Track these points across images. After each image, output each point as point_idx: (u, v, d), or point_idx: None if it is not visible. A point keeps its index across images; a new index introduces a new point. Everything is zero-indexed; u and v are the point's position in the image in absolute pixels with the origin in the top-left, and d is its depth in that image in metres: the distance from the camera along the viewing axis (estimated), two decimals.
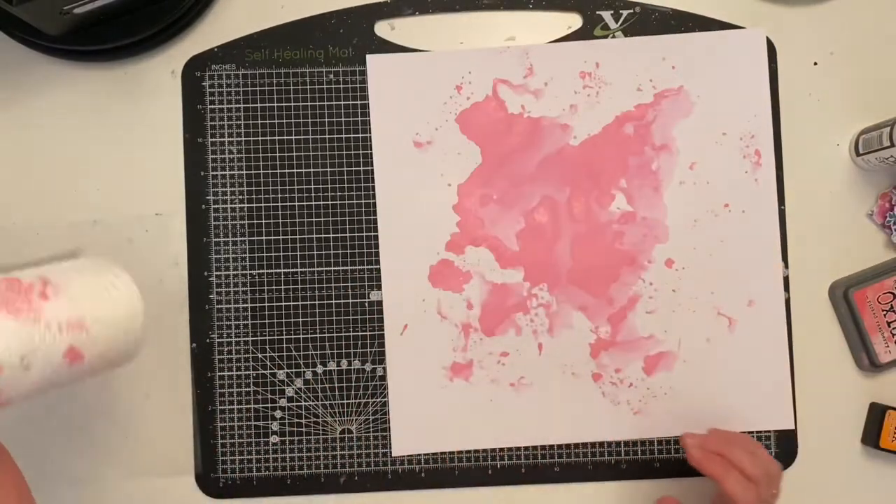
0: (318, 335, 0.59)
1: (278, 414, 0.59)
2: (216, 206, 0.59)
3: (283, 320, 0.59)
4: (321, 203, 0.59)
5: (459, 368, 0.59)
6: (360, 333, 0.59)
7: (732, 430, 0.56)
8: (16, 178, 0.59)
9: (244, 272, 0.59)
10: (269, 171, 0.59)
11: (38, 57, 0.58)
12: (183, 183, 0.59)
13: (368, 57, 0.60)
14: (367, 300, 0.59)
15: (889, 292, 0.60)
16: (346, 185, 0.59)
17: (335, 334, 0.59)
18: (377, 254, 0.59)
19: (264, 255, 0.59)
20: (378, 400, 0.59)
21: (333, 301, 0.59)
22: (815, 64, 0.61)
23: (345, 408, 0.59)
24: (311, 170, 0.59)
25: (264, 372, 0.59)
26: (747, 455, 0.51)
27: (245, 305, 0.59)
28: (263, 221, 0.59)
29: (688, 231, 0.60)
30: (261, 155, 0.59)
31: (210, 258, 0.59)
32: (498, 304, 0.59)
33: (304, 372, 0.59)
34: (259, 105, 0.59)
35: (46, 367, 0.41)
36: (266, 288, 0.59)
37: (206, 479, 0.58)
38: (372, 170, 0.59)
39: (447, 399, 0.59)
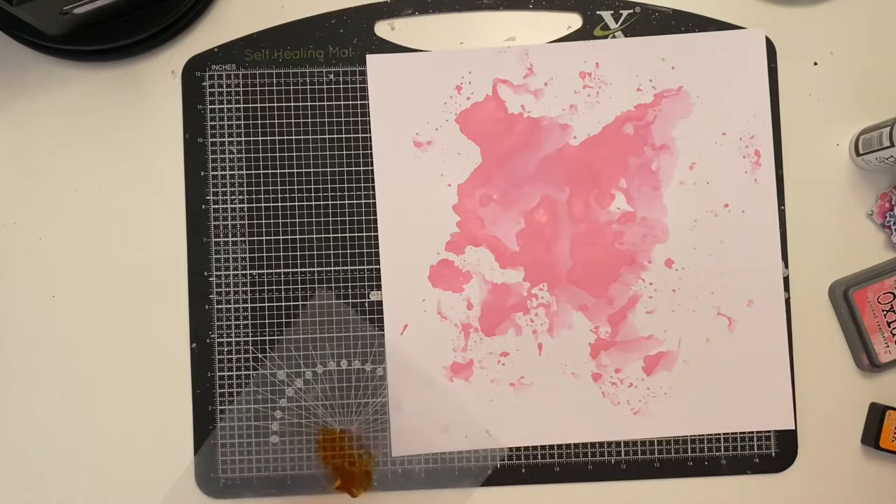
0: (318, 335, 0.59)
1: (278, 414, 0.59)
2: (216, 206, 0.59)
3: (283, 320, 0.59)
4: (321, 203, 0.59)
5: (459, 368, 0.59)
6: (360, 333, 0.59)
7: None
8: (15, 178, 0.59)
9: (244, 272, 0.59)
10: (269, 171, 0.59)
11: (38, 57, 0.58)
12: (183, 183, 0.59)
13: (368, 57, 0.60)
14: (367, 300, 0.59)
15: (889, 292, 0.60)
16: (346, 185, 0.59)
17: (335, 334, 0.59)
18: (377, 254, 0.59)
19: (264, 255, 0.59)
20: (378, 400, 0.59)
21: (333, 301, 0.59)
22: (815, 64, 0.61)
23: (345, 408, 0.59)
24: (311, 170, 0.59)
25: (264, 372, 0.59)
26: None
27: (245, 305, 0.59)
28: (263, 221, 0.59)
29: (688, 231, 0.60)
30: (261, 155, 0.59)
31: (210, 258, 0.59)
32: (498, 304, 0.59)
33: (304, 372, 0.59)
34: (259, 105, 0.59)
35: None
36: (266, 288, 0.59)
37: (206, 479, 0.58)
38: (372, 170, 0.59)
39: (447, 399, 0.59)
